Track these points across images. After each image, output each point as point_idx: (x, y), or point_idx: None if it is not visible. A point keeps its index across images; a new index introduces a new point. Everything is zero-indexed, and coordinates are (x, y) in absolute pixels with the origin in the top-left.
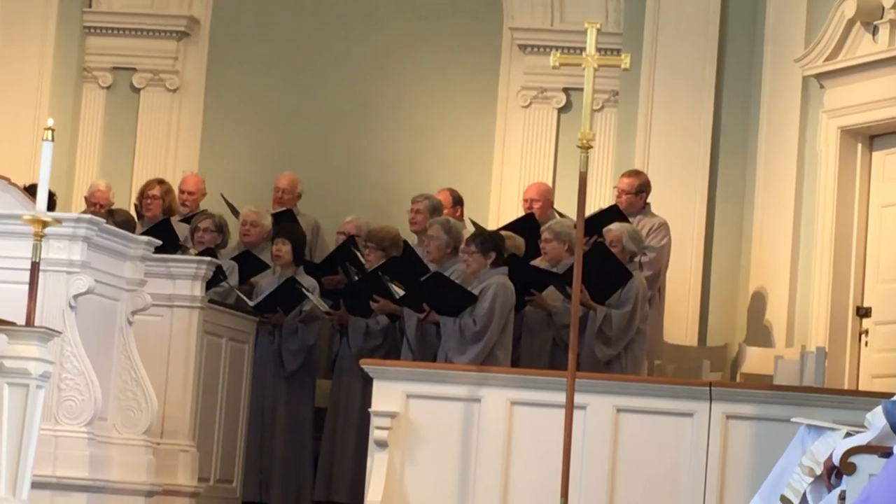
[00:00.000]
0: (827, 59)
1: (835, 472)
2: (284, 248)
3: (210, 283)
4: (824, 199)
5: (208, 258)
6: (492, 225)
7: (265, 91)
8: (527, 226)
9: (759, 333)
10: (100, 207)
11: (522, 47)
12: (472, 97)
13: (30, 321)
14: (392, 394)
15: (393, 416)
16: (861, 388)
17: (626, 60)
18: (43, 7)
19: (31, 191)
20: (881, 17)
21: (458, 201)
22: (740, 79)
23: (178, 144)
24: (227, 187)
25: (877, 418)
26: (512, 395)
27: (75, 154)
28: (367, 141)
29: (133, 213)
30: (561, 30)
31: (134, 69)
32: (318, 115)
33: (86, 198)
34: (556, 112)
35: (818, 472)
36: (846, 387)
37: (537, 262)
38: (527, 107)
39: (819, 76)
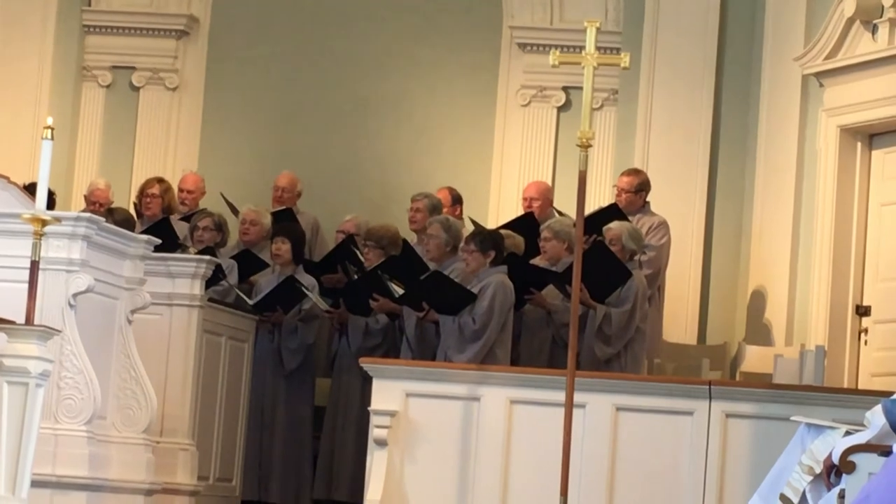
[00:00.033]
0: (826, 58)
1: (834, 471)
2: (284, 247)
3: (209, 282)
4: (824, 197)
5: (207, 257)
6: (491, 224)
7: (264, 90)
8: (526, 224)
9: (759, 332)
10: (99, 206)
11: (522, 46)
12: (471, 96)
13: (29, 320)
14: (391, 392)
15: (392, 414)
16: (860, 386)
17: (625, 59)
18: (42, 6)
19: (30, 189)
20: (881, 16)
21: (457, 200)
22: (740, 77)
23: (177, 143)
24: (227, 186)
25: (876, 417)
26: (511, 394)
27: (75, 153)
28: (367, 140)
29: (132, 211)
30: (560, 28)
31: (133, 68)
32: (317, 113)
33: (85, 196)
34: (555, 111)
35: (818, 470)
36: (846, 385)
37: (537, 261)
38: (526, 105)
39: (818, 75)
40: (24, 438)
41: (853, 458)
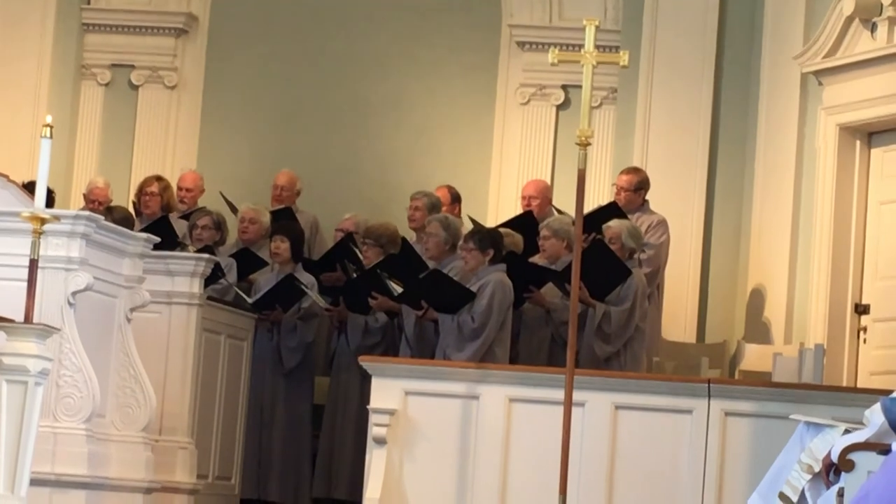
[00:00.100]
0: (825, 56)
1: (833, 469)
2: (283, 246)
3: (208, 281)
4: (823, 196)
5: (207, 255)
6: (490, 222)
7: (264, 88)
8: (525, 223)
9: (758, 330)
10: (98, 204)
11: (521, 44)
12: (470, 94)
13: (28, 318)
14: (391, 391)
15: (391, 413)
16: (859, 385)
17: (624, 58)
18: (42, 4)
19: (29, 188)
20: (880, 14)
21: (456, 198)
22: (739, 76)
23: (176, 141)
24: (226, 184)
25: (875, 415)
26: (510, 392)
27: (74, 151)
28: (366, 138)
29: (131, 210)
30: (559, 27)
31: (132, 66)
32: (316, 112)
33: (84, 195)
34: (554, 109)
35: (817, 469)
36: (845, 384)
37: (536, 260)
38: (525, 104)
39: (817, 73)
40: (24, 437)
41: (852, 456)
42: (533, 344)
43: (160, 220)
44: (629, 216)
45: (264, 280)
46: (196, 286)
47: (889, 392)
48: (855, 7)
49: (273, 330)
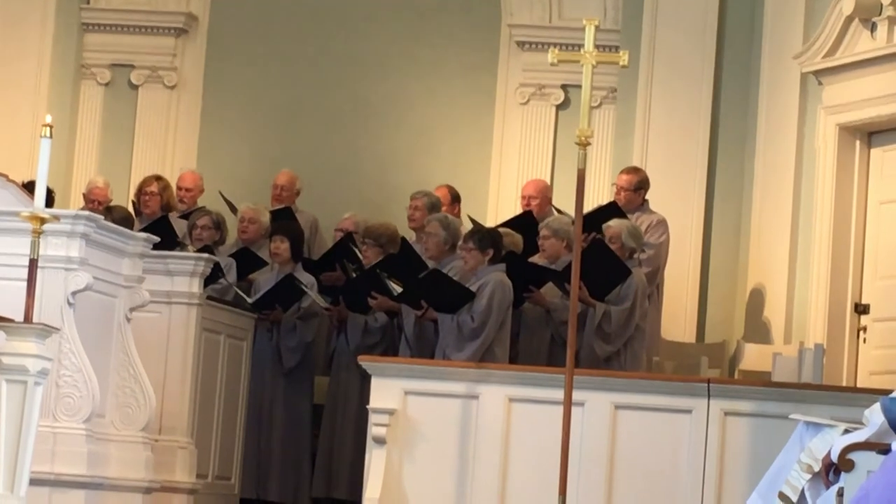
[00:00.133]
0: (825, 56)
1: (833, 469)
2: (283, 246)
3: (208, 280)
4: (822, 195)
5: (206, 255)
6: (490, 222)
7: (263, 88)
8: (525, 223)
9: (758, 330)
10: (98, 204)
11: (521, 44)
12: (470, 94)
13: (28, 318)
14: (390, 390)
15: (391, 412)
16: (859, 384)
17: (624, 57)
18: (41, 4)
19: (29, 187)
20: (879, 14)
21: (456, 198)
22: (738, 76)
23: (176, 141)
24: (226, 184)
25: (875, 415)
26: (510, 392)
27: (73, 151)
28: (366, 138)
29: (131, 209)
30: (559, 27)
31: (132, 66)
32: (316, 112)
33: (84, 194)
34: (554, 109)
35: (816, 468)
36: (844, 384)
37: (535, 259)
38: (525, 104)
39: (817, 73)
40: (23, 436)
41: (852, 456)
42: (533, 344)
43: (160, 219)
44: (629, 216)
45: (264, 280)
46: (196, 286)
47: (889, 392)
48: (855, 7)
49: (273, 330)
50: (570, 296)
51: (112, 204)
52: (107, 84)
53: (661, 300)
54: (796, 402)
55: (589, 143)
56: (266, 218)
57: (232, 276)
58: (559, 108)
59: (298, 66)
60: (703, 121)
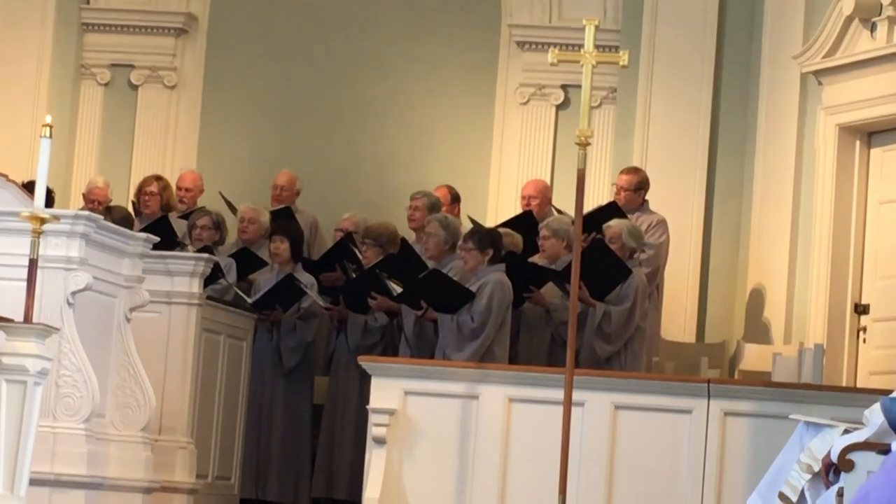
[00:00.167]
0: (825, 56)
1: (833, 469)
2: (282, 246)
3: (208, 280)
4: (822, 195)
5: (206, 255)
6: (490, 222)
7: (263, 88)
8: (525, 223)
9: (758, 330)
10: (98, 204)
11: (521, 44)
12: (470, 94)
13: (28, 318)
14: (390, 391)
15: (391, 412)
16: (859, 385)
17: (624, 57)
18: (41, 4)
19: (29, 187)
20: (879, 14)
21: (456, 198)
22: (738, 76)
23: (176, 141)
24: (225, 184)
25: (875, 415)
26: (510, 392)
27: (73, 151)
28: (366, 138)
29: (131, 209)
30: (559, 27)
31: (132, 66)
32: (316, 112)
33: (84, 195)
34: (554, 109)
35: (816, 469)
36: (844, 384)
37: (535, 259)
38: (525, 104)
39: (817, 73)
40: (23, 436)
41: (852, 456)
42: (533, 344)
43: (160, 219)
44: (629, 216)
45: (264, 280)
46: (195, 286)
47: (889, 392)
48: (854, 7)
49: (273, 330)
50: (570, 296)
51: (112, 204)
52: (107, 84)
53: (661, 300)
54: (796, 403)
55: (589, 143)
56: (266, 218)
57: (232, 276)
58: (559, 108)
59: (298, 66)
60: (703, 121)
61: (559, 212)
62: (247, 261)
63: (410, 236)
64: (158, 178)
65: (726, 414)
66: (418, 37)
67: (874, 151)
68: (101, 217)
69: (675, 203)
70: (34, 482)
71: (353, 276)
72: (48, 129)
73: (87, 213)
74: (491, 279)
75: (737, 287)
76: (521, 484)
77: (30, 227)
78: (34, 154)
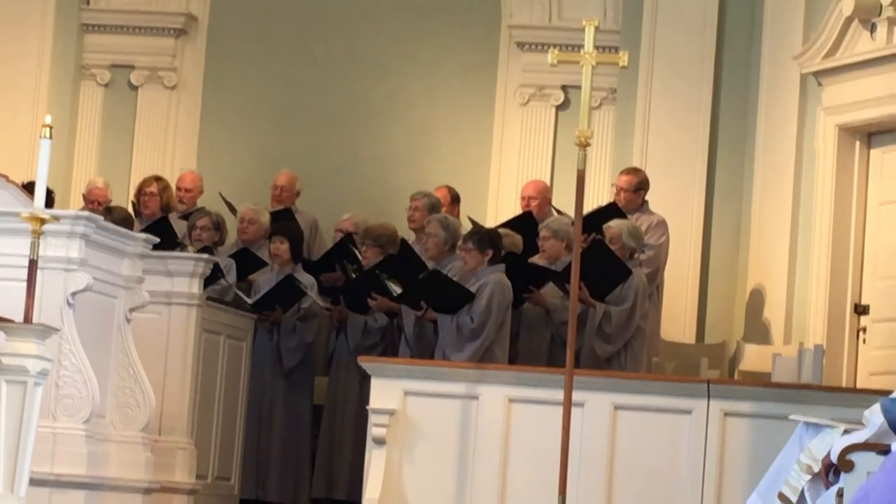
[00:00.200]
0: (825, 57)
1: (833, 470)
2: (282, 247)
3: (208, 281)
4: (822, 196)
5: (206, 255)
6: (490, 222)
7: (263, 88)
8: (525, 223)
9: (757, 331)
10: (98, 205)
11: (520, 45)
12: (470, 95)
13: (28, 318)
14: (390, 391)
15: (391, 413)
16: (859, 385)
17: (624, 58)
18: (41, 4)
19: (29, 188)
20: (879, 15)
21: (456, 199)
22: (738, 76)
23: (175, 142)
24: (225, 184)
25: (875, 416)
26: (510, 393)
27: (73, 151)
28: (366, 138)
29: (131, 210)
30: (559, 27)
31: (132, 66)
32: (316, 112)
33: (84, 195)
34: (554, 109)
35: (816, 469)
36: (844, 384)
37: (535, 260)
38: (525, 104)
39: (817, 74)
40: (23, 437)
41: (851, 456)
42: (533, 344)
43: (160, 220)
44: (629, 217)
45: (264, 280)
46: (195, 286)
47: (888, 392)
48: (854, 7)
49: (273, 330)
50: (570, 296)
51: (112, 204)
52: (107, 85)
53: (661, 301)
54: (796, 403)
55: (589, 144)
56: (266, 219)
57: (232, 276)
58: (559, 108)
59: (298, 67)
60: (703, 121)
61: (559, 212)
62: (247, 261)
63: (410, 237)
64: (158, 179)
65: (726, 414)
66: (418, 37)
67: (874, 152)
68: (101, 218)
69: (675, 204)
70: (34, 482)
71: (353, 276)
72: (48, 129)
73: (87, 213)
74: (491, 280)
75: (737, 287)
76: (521, 484)
77: (30, 228)
78: (34, 155)
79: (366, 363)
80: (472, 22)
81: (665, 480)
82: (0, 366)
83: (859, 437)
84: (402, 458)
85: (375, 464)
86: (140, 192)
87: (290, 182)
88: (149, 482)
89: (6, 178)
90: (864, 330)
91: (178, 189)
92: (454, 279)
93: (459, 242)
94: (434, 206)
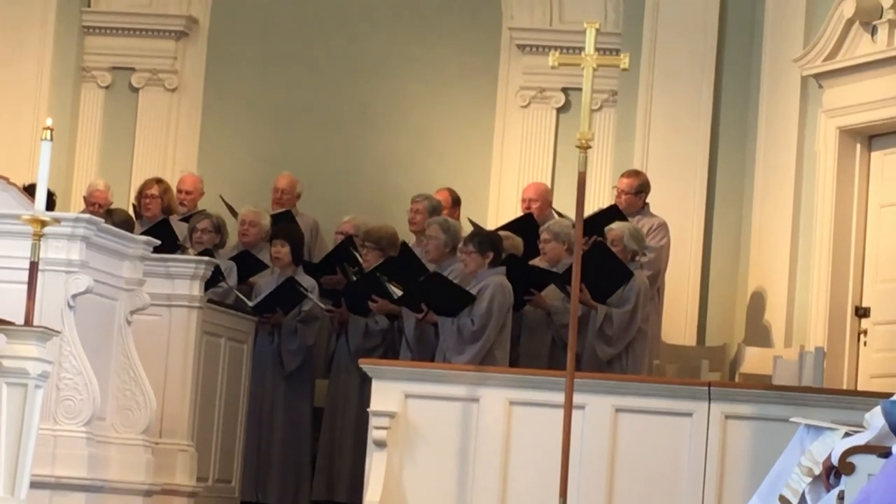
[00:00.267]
0: (826, 59)
1: (833, 472)
2: (283, 250)
3: (209, 283)
4: (823, 199)
5: (207, 258)
6: (490, 225)
7: (264, 90)
8: (525, 226)
9: (758, 333)
10: (98, 207)
11: (521, 47)
12: (471, 97)
13: (28, 321)
14: (391, 394)
15: (392, 415)
16: (860, 388)
17: (624, 60)
18: (42, 7)
19: (29, 190)
20: (880, 17)
21: (456, 201)
22: (739, 79)
23: (176, 144)
24: (226, 187)
25: (875, 418)
26: (510, 395)
27: (74, 154)
28: (367, 141)
29: (131, 212)
30: (560, 30)
31: (133, 69)
32: (316, 114)
33: (84, 197)
34: (554, 112)
35: (817, 472)
36: (845, 387)
37: (536, 262)
38: (526, 106)
39: (818, 76)
40: (24, 439)
41: (852, 459)
42: (533, 347)
43: (161, 222)
44: (629, 219)
45: (265, 283)
46: (196, 289)
47: (889, 395)
48: (855, 10)
49: (273, 333)
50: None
51: (112, 207)
52: (107, 87)
53: (662, 303)
54: (797, 406)
55: (589, 147)
56: (267, 221)
57: (232, 279)
58: (560, 111)
59: (299, 69)
60: (704, 124)
61: (560, 215)
62: (247, 264)
63: (411, 239)
64: (159, 181)
65: (727, 417)
66: (419, 40)
67: (875, 155)
68: (102, 220)
69: (676, 206)
70: (35, 485)
71: (354, 279)
72: (49, 131)
73: (87, 216)
74: (491, 282)
75: (737, 290)
76: (522, 487)
77: (30, 230)
78: (35, 157)
79: (366, 366)
80: (473, 24)
81: (666, 483)
82: (1, 368)
83: (860, 439)
84: (403, 460)
85: (376, 466)
86: (141, 194)
87: (290, 184)
88: (149, 484)
89: (7, 180)
90: (865, 332)
91: (179, 191)
92: (455, 282)
93: (460, 245)
94: (435, 209)
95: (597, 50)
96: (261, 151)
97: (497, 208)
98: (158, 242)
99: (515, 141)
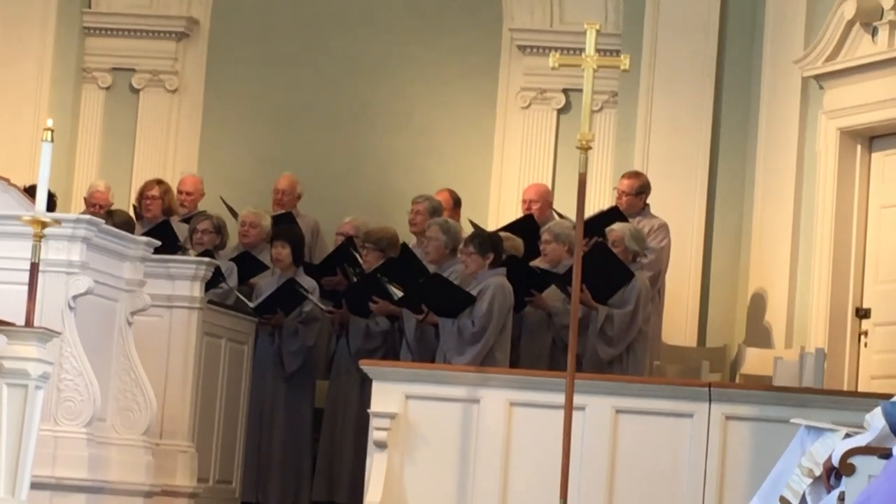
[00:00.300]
0: (826, 60)
1: (834, 473)
2: (284, 252)
3: (209, 284)
4: (824, 200)
5: (207, 259)
6: (491, 226)
7: (264, 91)
8: (526, 227)
9: (759, 334)
10: (99, 208)
11: (522, 48)
12: (471, 98)
13: (29, 322)
14: (391, 394)
15: (392, 416)
16: (860, 389)
17: (625, 61)
18: (42, 8)
19: (30, 191)
20: (881, 18)
21: (457, 202)
22: (740, 80)
23: (177, 145)
24: (227, 188)
25: (876, 419)
26: (511, 396)
27: (74, 155)
28: (367, 142)
29: (132, 213)
30: (560, 31)
31: (133, 70)
32: (317, 115)
33: (85, 198)
34: (555, 113)
35: (817, 473)
36: (845, 388)
37: (537, 263)
38: (526, 107)
39: (818, 77)
40: (24, 440)
41: (853, 460)
42: (534, 348)
43: (161, 223)
44: (630, 220)
45: (265, 284)
46: (197, 290)
47: (890, 396)
48: (856, 11)
49: (274, 334)
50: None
51: (113, 208)
52: (108, 88)
53: (663, 304)
54: (797, 407)
55: (590, 147)
56: (267, 222)
57: (233, 280)
58: (560, 111)
59: (299, 70)
60: (705, 125)
61: (560, 216)
62: (248, 265)
63: (411, 240)
64: (160, 182)
65: (727, 418)
66: (419, 41)
67: (875, 155)
68: (103, 221)
69: (677, 207)
70: (35, 486)
71: (355, 280)
72: (49, 132)
73: (88, 216)
74: (492, 283)
75: (738, 291)
76: (523, 488)
77: (31, 231)
78: (35, 158)
79: (367, 367)
80: (474, 25)
81: (666, 484)
82: (1, 369)
83: (861, 440)
84: (404, 461)
85: (376, 467)
86: (141, 195)
87: (291, 185)
88: (150, 486)
89: (7, 181)
90: (866, 333)
91: (180, 192)
92: (455, 283)
93: (460, 246)
94: (435, 210)
95: (597, 51)
96: (261, 152)
97: (497, 209)
98: (159, 243)
99: (516, 142)
